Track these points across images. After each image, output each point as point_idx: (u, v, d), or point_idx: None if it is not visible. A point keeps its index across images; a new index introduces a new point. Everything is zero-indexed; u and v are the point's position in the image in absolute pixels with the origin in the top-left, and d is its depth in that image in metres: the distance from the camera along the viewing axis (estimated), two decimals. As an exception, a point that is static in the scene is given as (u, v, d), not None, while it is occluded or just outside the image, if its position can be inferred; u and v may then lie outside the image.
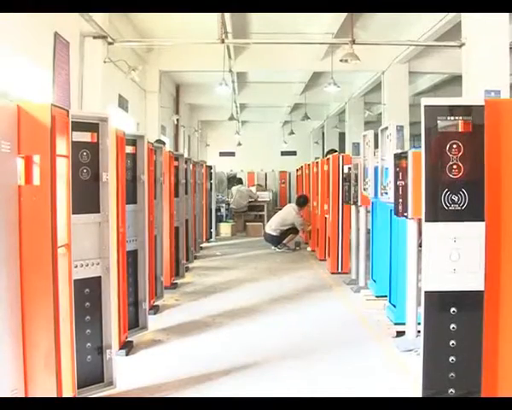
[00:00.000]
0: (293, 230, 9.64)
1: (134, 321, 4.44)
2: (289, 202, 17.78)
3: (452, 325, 2.74)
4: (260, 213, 14.31)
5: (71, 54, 6.24)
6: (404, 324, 4.27)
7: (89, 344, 3.24)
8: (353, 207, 6.56)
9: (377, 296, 5.58)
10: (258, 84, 14.94)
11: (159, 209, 5.43)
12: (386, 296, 5.04)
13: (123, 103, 9.21)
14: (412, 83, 12.35)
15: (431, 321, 2.76)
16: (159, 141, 7.58)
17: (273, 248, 9.64)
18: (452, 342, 2.74)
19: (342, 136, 17.56)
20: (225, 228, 12.60)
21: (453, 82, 12.19)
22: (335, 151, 9.19)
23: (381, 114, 12.33)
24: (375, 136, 5.20)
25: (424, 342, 2.76)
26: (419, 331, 3.42)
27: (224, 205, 13.80)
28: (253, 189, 15.43)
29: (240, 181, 15.12)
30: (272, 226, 9.70)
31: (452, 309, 2.75)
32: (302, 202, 9.78)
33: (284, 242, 9.57)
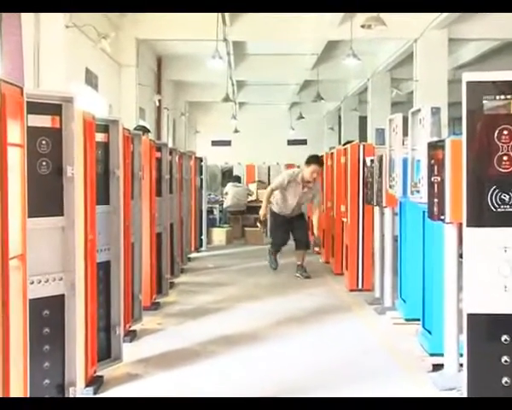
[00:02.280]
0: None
1: (105, 351, 4.41)
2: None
3: (504, 358, 2.72)
4: (262, 215, 14.27)
5: (23, 16, 6.19)
6: (442, 355, 4.25)
7: (47, 381, 3.22)
8: (377, 209, 6.56)
9: (407, 320, 5.57)
10: (259, 57, 14.95)
11: (137, 211, 5.44)
12: (418, 320, 5.03)
13: (91, 80, 9.19)
14: (453, 53, 12.33)
15: (476, 352, 2.74)
16: (141, 128, 7.50)
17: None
18: (505, 379, 2.71)
19: (363, 120, 17.59)
20: (219, 234, 12.62)
21: (505, 51, 12.16)
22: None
23: (412, 92, 12.33)
24: (405, 120, 5.19)
25: (468, 379, 2.74)
26: (461, 365, 3.39)
27: (217, 206, 13.79)
28: (253, 186, 15.43)
29: (237, 179, 15.06)
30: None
31: (504, 337, 2.72)
32: (307, 159, 8.30)
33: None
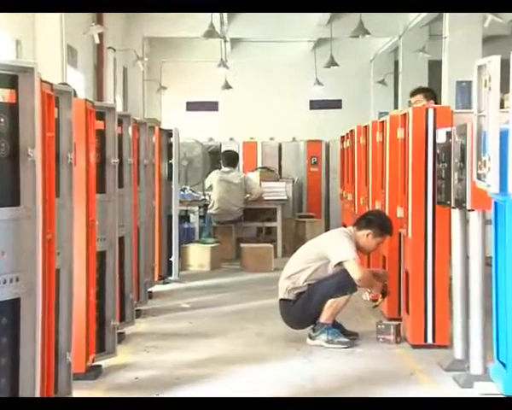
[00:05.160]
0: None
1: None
2: (327, 201, 17.79)
3: None
4: (269, 224, 14.32)
5: None
6: None
7: None
8: (456, 213, 6.62)
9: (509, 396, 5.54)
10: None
11: (65, 217, 5.45)
12: (527, 397, 5.01)
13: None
14: None
15: None
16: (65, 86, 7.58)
17: (309, 340, 7.89)
18: None
19: (436, 68, 17.55)
20: (199, 254, 12.73)
21: None
22: (430, 91, 9.00)
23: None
24: (505, 66, 5.16)
25: None
26: None
27: (196, 209, 13.80)
28: (254, 175, 15.45)
29: (231, 160, 14.78)
30: (286, 274, 8.13)
31: None
32: (369, 221, 8.12)
33: (322, 320, 7.78)
